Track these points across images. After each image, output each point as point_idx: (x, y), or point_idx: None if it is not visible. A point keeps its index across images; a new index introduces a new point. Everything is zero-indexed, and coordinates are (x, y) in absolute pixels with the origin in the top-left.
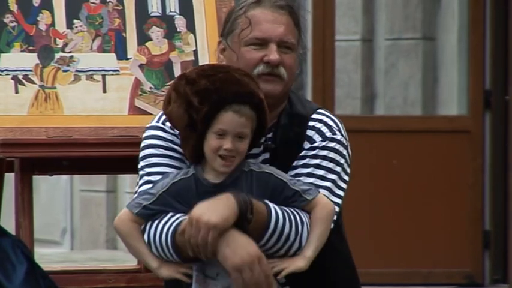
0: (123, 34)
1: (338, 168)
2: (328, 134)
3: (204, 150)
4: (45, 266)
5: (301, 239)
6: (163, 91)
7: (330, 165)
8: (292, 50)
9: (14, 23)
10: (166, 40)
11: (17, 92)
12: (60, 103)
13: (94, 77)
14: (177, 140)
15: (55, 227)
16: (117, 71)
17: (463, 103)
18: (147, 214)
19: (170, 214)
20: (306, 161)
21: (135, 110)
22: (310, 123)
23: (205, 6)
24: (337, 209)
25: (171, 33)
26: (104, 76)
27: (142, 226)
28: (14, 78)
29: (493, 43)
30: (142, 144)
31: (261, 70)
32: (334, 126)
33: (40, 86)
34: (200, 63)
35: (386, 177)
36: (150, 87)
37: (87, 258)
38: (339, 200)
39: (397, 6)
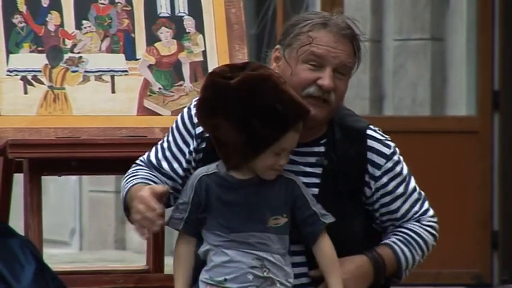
0: (132, 35)
1: (406, 171)
2: (386, 150)
3: (256, 165)
4: (54, 267)
5: (428, 248)
6: (172, 92)
7: (404, 177)
8: (347, 75)
9: (23, 24)
10: (175, 41)
11: (25, 92)
12: (69, 104)
13: (103, 77)
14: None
15: (64, 228)
16: (126, 71)
17: (471, 104)
18: (190, 226)
19: (138, 172)
20: (390, 188)
21: (143, 110)
22: (369, 143)
23: (214, 7)
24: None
25: (179, 33)
26: (112, 77)
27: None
28: (23, 78)
29: (501, 43)
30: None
31: (311, 92)
32: (382, 138)
33: (49, 87)
34: (209, 64)
35: None
36: (159, 88)
37: (96, 259)
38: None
39: (405, 6)
